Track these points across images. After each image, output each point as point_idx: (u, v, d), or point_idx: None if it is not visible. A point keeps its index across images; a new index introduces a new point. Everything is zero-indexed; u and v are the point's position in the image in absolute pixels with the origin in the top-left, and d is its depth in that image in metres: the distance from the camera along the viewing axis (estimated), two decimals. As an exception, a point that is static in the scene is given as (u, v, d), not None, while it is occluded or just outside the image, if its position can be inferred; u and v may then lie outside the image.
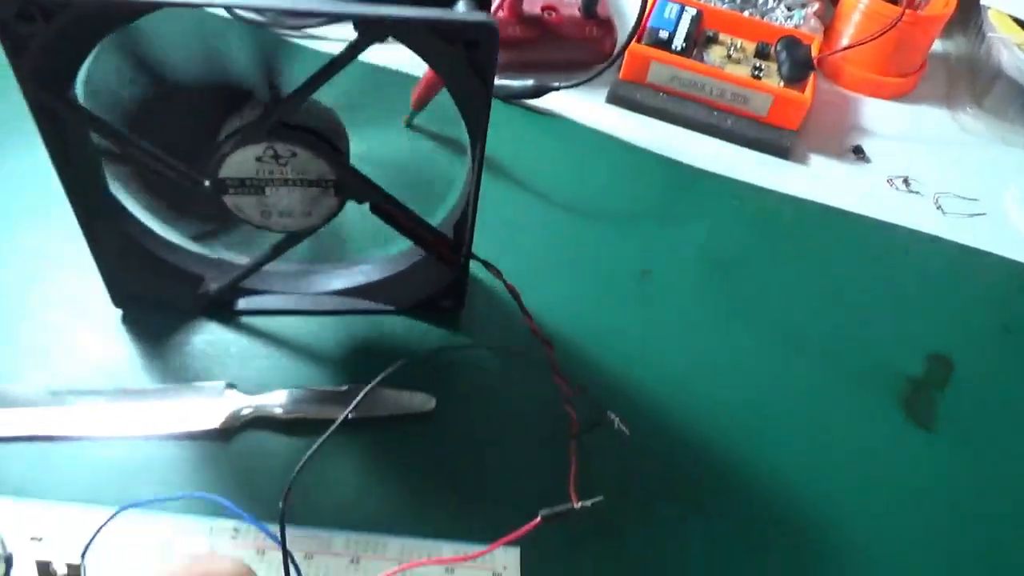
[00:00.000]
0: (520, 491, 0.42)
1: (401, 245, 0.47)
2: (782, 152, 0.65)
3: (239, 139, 0.38)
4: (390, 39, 0.36)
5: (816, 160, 0.66)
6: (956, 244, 0.61)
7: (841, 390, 0.51)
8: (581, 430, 0.41)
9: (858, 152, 0.67)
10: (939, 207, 0.64)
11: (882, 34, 0.65)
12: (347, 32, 0.36)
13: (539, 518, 0.38)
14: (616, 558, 0.42)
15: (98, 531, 0.33)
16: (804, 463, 0.47)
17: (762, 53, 0.68)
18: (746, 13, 0.72)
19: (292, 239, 0.44)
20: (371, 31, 0.35)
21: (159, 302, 0.47)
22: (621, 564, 0.42)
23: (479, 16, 0.35)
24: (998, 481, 0.48)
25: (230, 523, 0.39)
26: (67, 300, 0.48)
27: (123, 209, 0.43)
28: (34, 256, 0.49)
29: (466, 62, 0.36)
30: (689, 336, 0.52)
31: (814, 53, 0.66)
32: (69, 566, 0.35)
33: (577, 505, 0.38)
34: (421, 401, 0.45)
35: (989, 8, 0.72)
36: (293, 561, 0.34)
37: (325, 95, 0.40)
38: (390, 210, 0.42)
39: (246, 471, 0.42)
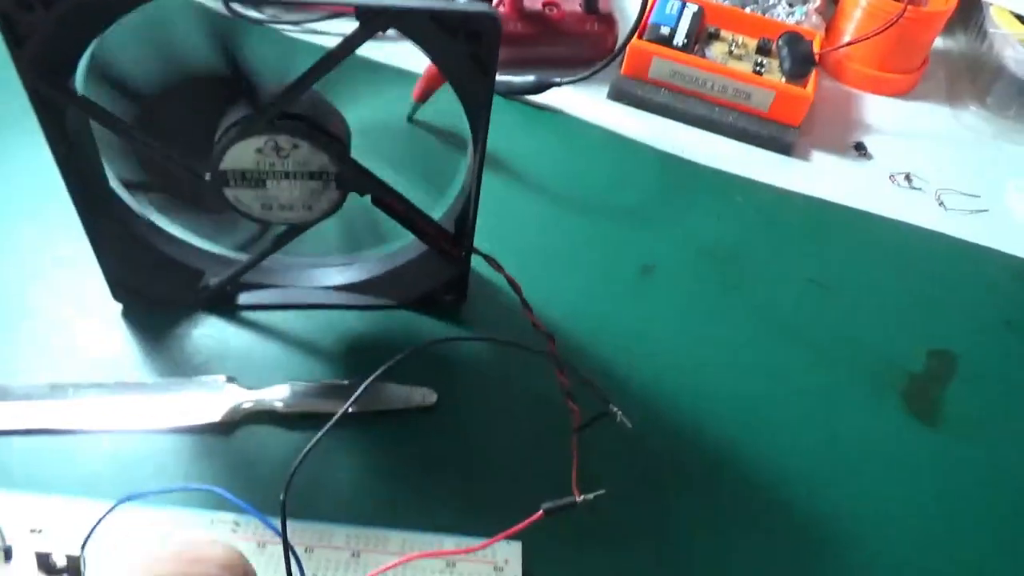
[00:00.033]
0: (522, 485, 0.41)
1: (403, 239, 0.47)
2: (784, 148, 0.65)
3: (240, 131, 0.38)
4: (391, 34, 0.36)
5: (818, 156, 0.66)
6: (958, 240, 0.61)
7: (843, 385, 0.51)
8: (583, 424, 0.40)
9: (860, 148, 0.67)
10: (941, 203, 0.64)
11: (884, 30, 0.65)
12: (348, 28, 0.36)
13: (541, 511, 0.38)
14: (618, 552, 0.42)
15: (98, 523, 0.33)
16: (806, 457, 0.47)
17: (764, 49, 0.68)
18: (748, 9, 0.72)
19: (293, 232, 0.43)
20: (372, 22, 0.35)
21: (159, 296, 0.47)
22: (623, 558, 0.41)
23: (481, 7, 0.35)
24: (1000, 476, 0.48)
25: (230, 516, 0.39)
26: (67, 295, 0.48)
27: (123, 202, 0.43)
28: (34, 251, 0.49)
29: (468, 54, 0.36)
30: (690, 331, 0.52)
31: (816, 49, 0.66)
32: (69, 558, 0.34)
33: (579, 498, 0.38)
34: (422, 395, 0.45)
35: (991, 4, 0.72)
36: (294, 553, 0.34)
37: (326, 91, 0.40)
38: (392, 203, 0.42)
39: (246, 465, 0.42)
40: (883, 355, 0.52)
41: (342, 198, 0.41)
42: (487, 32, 0.35)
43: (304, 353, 0.47)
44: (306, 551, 0.38)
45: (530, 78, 0.64)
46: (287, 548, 0.34)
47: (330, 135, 0.39)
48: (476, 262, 0.47)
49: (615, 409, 0.39)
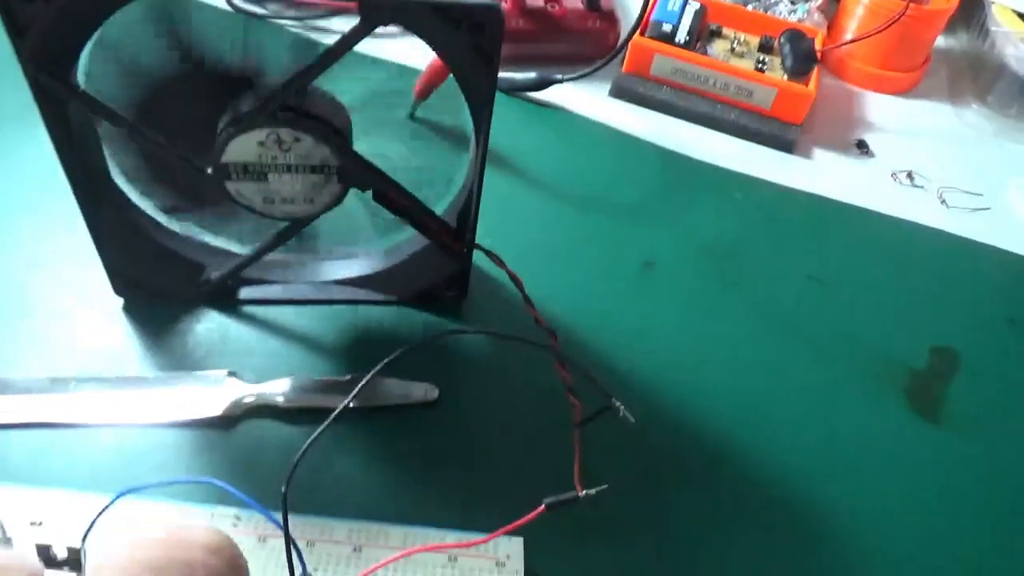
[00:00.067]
0: (523, 480, 0.41)
1: (404, 235, 0.47)
2: (786, 146, 0.65)
3: (242, 123, 0.38)
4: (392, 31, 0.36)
5: (820, 154, 0.66)
6: (960, 238, 0.61)
7: (844, 381, 0.51)
8: (585, 419, 0.40)
9: (862, 147, 0.67)
10: (943, 201, 0.64)
11: (886, 28, 0.65)
12: (349, 25, 0.36)
13: (543, 506, 0.38)
14: (620, 546, 0.41)
15: (99, 515, 0.33)
16: (807, 453, 0.47)
17: (766, 47, 0.68)
18: (750, 7, 0.72)
19: (294, 227, 0.43)
20: (375, 15, 0.35)
21: (160, 290, 0.47)
22: (625, 553, 0.41)
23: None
24: (1001, 473, 0.48)
25: (231, 510, 0.39)
26: (68, 289, 0.47)
27: (123, 194, 0.43)
28: (35, 246, 0.49)
29: (471, 45, 0.36)
30: (691, 327, 0.52)
31: (818, 47, 0.66)
32: (69, 550, 0.34)
33: (581, 493, 0.38)
34: (424, 391, 0.45)
35: (993, 3, 0.72)
36: (295, 546, 0.34)
37: (327, 87, 0.39)
38: (393, 197, 0.42)
39: (247, 459, 0.42)
40: (885, 352, 0.52)
41: (344, 192, 0.41)
42: (490, 23, 0.35)
43: (305, 348, 0.47)
44: (307, 545, 0.38)
45: (531, 75, 0.64)
46: (288, 541, 0.34)
47: (332, 128, 0.39)
48: (477, 258, 0.47)
49: (617, 404, 0.39)
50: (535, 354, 0.42)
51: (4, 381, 0.43)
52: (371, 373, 0.38)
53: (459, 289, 0.49)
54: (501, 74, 0.38)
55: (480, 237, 0.46)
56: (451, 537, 0.39)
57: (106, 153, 0.41)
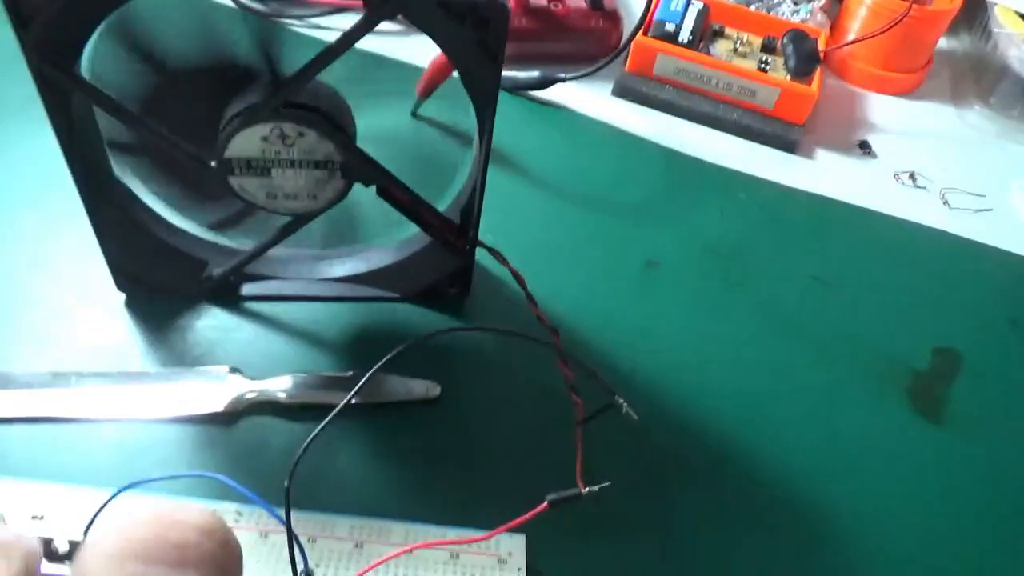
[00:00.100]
0: (525, 478, 0.41)
1: (407, 232, 0.47)
2: (789, 146, 0.65)
3: (246, 118, 0.38)
4: (396, 29, 0.35)
5: (822, 154, 0.66)
6: (963, 239, 0.61)
7: (847, 381, 0.51)
8: (588, 416, 0.40)
9: (864, 147, 0.67)
10: (945, 202, 0.64)
11: (889, 28, 0.65)
12: (352, 23, 0.36)
13: (546, 503, 0.38)
14: (623, 544, 0.41)
15: (101, 509, 0.33)
16: (809, 453, 0.47)
17: (768, 47, 0.68)
18: (752, 7, 0.72)
19: (298, 222, 0.43)
20: (379, 8, 0.35)
21: (163, 286, 0.47)
22: (627, 550, 0.41)
23: (489, -7, 0.35)
24: (1004, 474, 0.48)
25: (233, 506, 0.39)
26: (70, 284, 0.47)
27: (127, 190, 0.43)
28: (37, 240, 0.49)
29: (476, 40, 0.36)
30: (694, 327, 0.52)
31: (821, 47, 0.66)
32: (71, 543, 0.34)
33: (584, 490, 0.38)
34: (426, 388, 0.45)
35: (996, 4, 0.72)
36: (298, 541, 0.34)
37: (331, 83, 0.39)
38: (397, 193, 0.42)
39: (249, 455, 0.42)
40: (887, 352, 0.52)
41: (347, 187, 0.41)
42: (495, 18, 0.35)
43: (307, 344, 0.47)
44: (309, 541, 0.38)
45: (534, 73, 0.64)
46: (291, 535, 0.34)
47: (336, 124, 0.39)
48: (480, 256, 0.47)
49: (620, 401, 0.39)
50: (537, 352, 0.42)
51: (6, 375, 0.43)
52: (373, 369, 0.37)
53: (462, 286, 0.49)
54: (504, 73, 0.38)
55: (483, 235, 0.46)
56: (453, 534, 0.39)
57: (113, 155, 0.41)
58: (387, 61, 0.61)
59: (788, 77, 0.66)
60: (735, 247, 0.57)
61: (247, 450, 0.42)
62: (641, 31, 0.64)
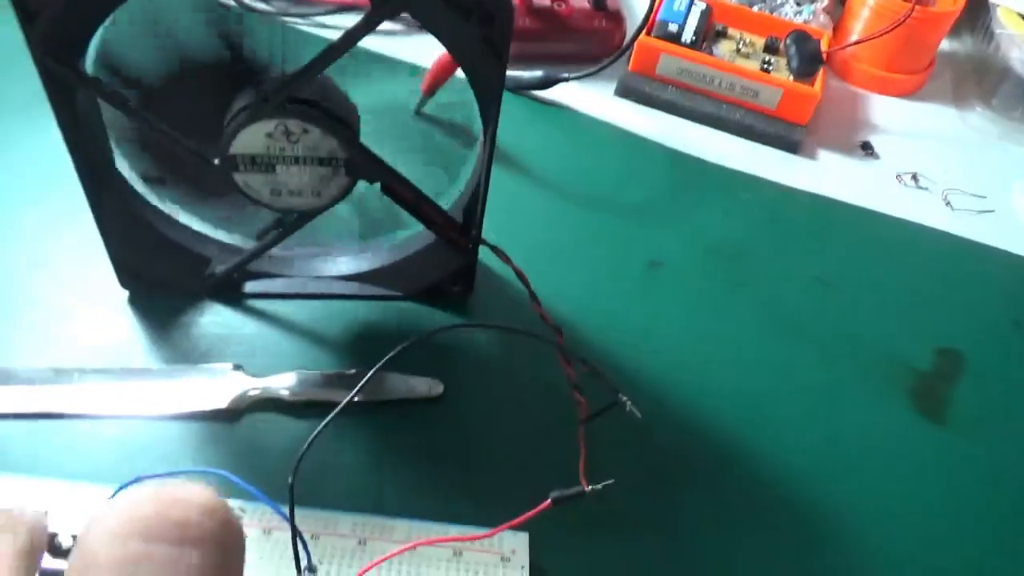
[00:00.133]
0: (528, 476, 0.41)
1: (411, 230, 0.47)
2: (791, 147, 0.65)
3: (250, 114, 0.38)
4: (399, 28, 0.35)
5: (825, 155, 0.66)
6: (965, 240, 0.61)
7: (850, 382, 0.51)
8: (592, 413, 0.40)
9: (867, 148, 0.67)
10: (948, 203, 0.64)
11: (891, 30, 0.65)
12: (354, 22, 0.36)
13: (549, 500, 0.38)
14: (626, 542, 0.41)
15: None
16: (812, 453, 0.47)
17: (771, 48, 0.68)
18: (755, 8, 0.72)
19: (301, 220, 0.43)
20: (384, 5, 0.35)
21: (166, 283, 0.47)
22: (631, 548, 0.41)
23: (493, -12, 0.35)
24: (1006, 475, 0.48)
25: (236, 503, 0.39)
26: (73, 282, 0.47)
27: (130, 187, 0.43)
28: (39, 238, 0.49)
29: (481, 36, 0.36)
30: (697, 327, 0.52)
31: (823, 48, 0.66)
32: (75, 538, 0.34)
33: (587, 488, 0.38)
34: (429, 386, 0.45)
35: (998, 6, 0.72)
36: (301, 538, 0.34)
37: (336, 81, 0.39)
38: (401, 190, 0.42)
39: (252, 452, 0.42)
40: (890, 353, 0.52)
41: (351, 184, 0.41)
42: (500, 15, 0.35)
43: (310, 342, 0.47)
44: (312, 538, 0.38)
45: (538, 73, 0.64)
46: (295, 533, 0.34)
47: (340, 120, 0.39)
48: (483, 255, 0.47)
49: (624, 399, 0.39)
50: (540, 350, 0.42)
51: (8, 371, 0.43)
52: (376, 367, 0.37)
53: (465, 285, 0.49)
54: (507, 72, 0.38)
55: (486, 235, 0.46)
56: (456, 531, 0.39)
57: (116, 150, 0.41)
58: (391, 60, 0.61)
59: (791, 78, 0.66)
60: (738, 247, 0.57)
61: (250, 447, 0.42)
62: (644, 31, 0.64)
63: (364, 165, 0.41)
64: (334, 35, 0.36)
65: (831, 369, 0.51)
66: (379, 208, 0.44)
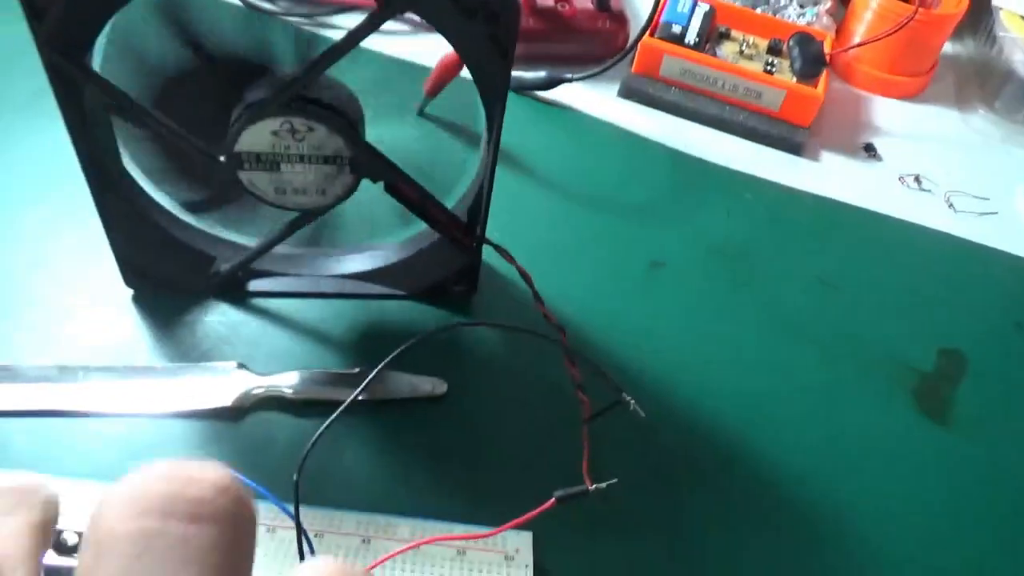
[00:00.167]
0: (532, 475, 0.41)
1: (415, 229, 0.47)
2: (794, 148, 0.65)
3: (256, 112, 0.38)
4: (403, 28, 0.36)
5: (828, 157, 0.66)
6: (968, 242, 0.61)
7: (852, 382, 0.51)
8: (595, 413, 0.40)
9: (869, 150, 0.67)
10: (950, 205, 0.64)
11: (894, 32, 0.65)
12: (358, 22, 0.36)
13: (553, 499, 0.38)
14: (629, 541, 0.41)
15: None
16: (815, 454, 0.47)
17: (774, 50, 0.68)
18: (759, 10, 0.72)
19: (305, 218, 0.43)
20: (391, 4, 0.35)
21: (170, 281, 0.47)
22: (634, 547, 0.41)
23: (499, -14, 0.35)
24: (1009, 476, 0.48)
25: (240, 501, 0.39)
26: (78, 281, 0.47)
27: (136, 184, 0.43)
28: (43, 237, 0.49)
29: (486, 35, 0.36)
30: (699, 327, 0.52)
31: (826, 50, 0.66)
32: (80, 534, 0.34)
33: (591, 487, 0.38)
34: (432, 385, 0.45)
35: (1001, 8, 0.72)
36: (306, 536, 0.34)
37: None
38: (405, 189, 0.42)
39: (256, 450, 0.42)
40: (893, 354, 0.52)
41: (356, 183, 0.41)
42: (506, 13, 0.35)
43: (314, 341, 0.47)
44: (316, 536, 0.38)
45: (541, 74, 0.64)
46: (300, 530, 0.34)
47: (345, 118, 0.39)
48: (487, 255, 0.47)
49: (628, 398, 0.39)
50: (544, 350, 0.42)
51: (13, 369, 0.43)
52: (380, 366, 0.38)
53: (468, 284, 0.49)
54: (511, 72, 0.38)
55: (489, 235, 0.46)
56: (459, 530, 0.39)
57: (123, 149, 0.41)
58: (395, 60, 0.61)
59: (794, 79, 0.66)
60: (740, 248, 0.57)
61: (254, 445, 0.42)
62: (648, 32, 0.64)
63: (369, 163, 0.41)
64: (338, 35, 0.36)
65: (833, 369, 0.51)
66: (383, 207, 0.44)
